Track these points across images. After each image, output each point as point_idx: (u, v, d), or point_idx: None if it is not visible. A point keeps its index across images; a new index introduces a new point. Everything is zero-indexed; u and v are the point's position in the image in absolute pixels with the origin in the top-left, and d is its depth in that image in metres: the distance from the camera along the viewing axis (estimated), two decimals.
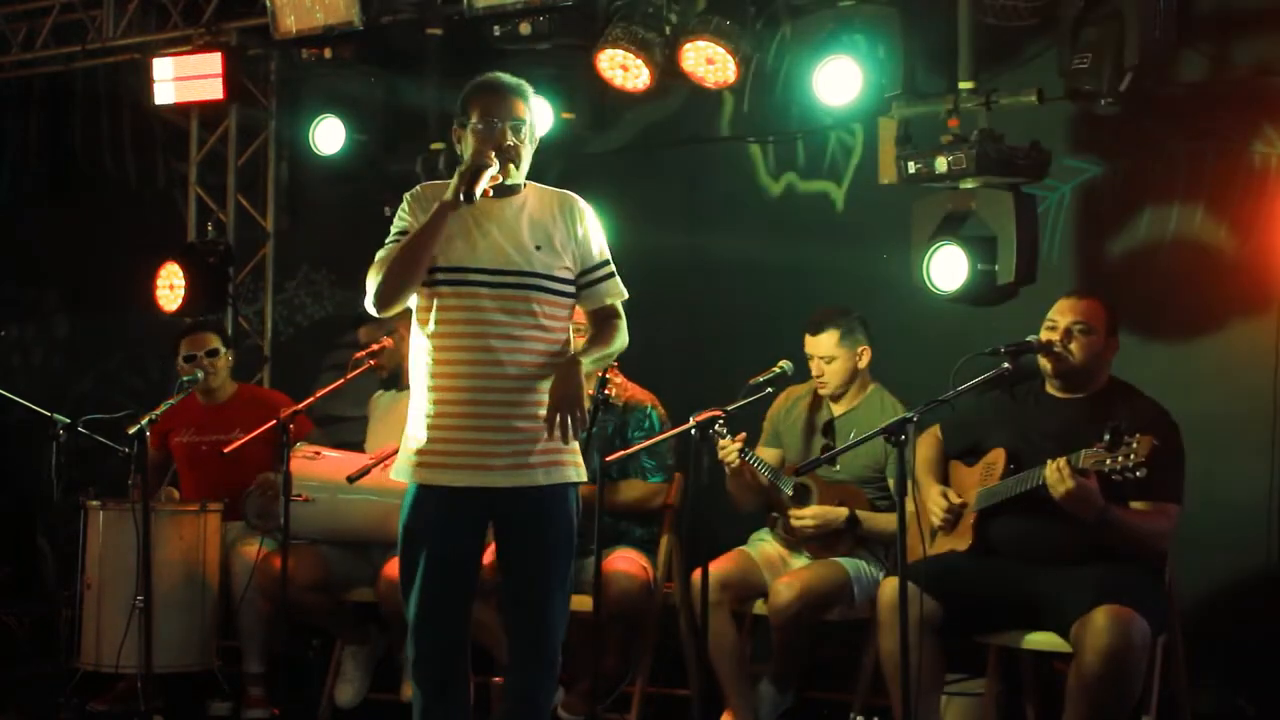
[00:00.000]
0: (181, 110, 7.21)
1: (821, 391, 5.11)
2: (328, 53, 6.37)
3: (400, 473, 3.85)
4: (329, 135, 6.63)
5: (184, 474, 6.04)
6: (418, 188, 3.92)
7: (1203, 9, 5.19)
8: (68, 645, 5.49)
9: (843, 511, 4.91)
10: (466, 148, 3.82)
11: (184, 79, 6.91)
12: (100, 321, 7.89)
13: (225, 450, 5.27)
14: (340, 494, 5.17)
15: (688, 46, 5.73)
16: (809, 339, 5.07)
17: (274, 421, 4.87)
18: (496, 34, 5.87)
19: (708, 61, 5.75)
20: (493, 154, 3.70)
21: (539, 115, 3.96)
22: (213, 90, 6.87)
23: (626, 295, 3.93)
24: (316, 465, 5.24)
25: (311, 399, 5.19)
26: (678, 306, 6.17)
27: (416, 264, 3.73)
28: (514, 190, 3.84)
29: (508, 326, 3.74)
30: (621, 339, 3.90)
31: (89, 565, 5.48)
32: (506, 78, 3.87)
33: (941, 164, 5.08)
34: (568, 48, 5.97)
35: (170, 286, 6.98)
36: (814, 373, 5.07)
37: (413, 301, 3.82)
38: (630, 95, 5.96)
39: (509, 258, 3.76)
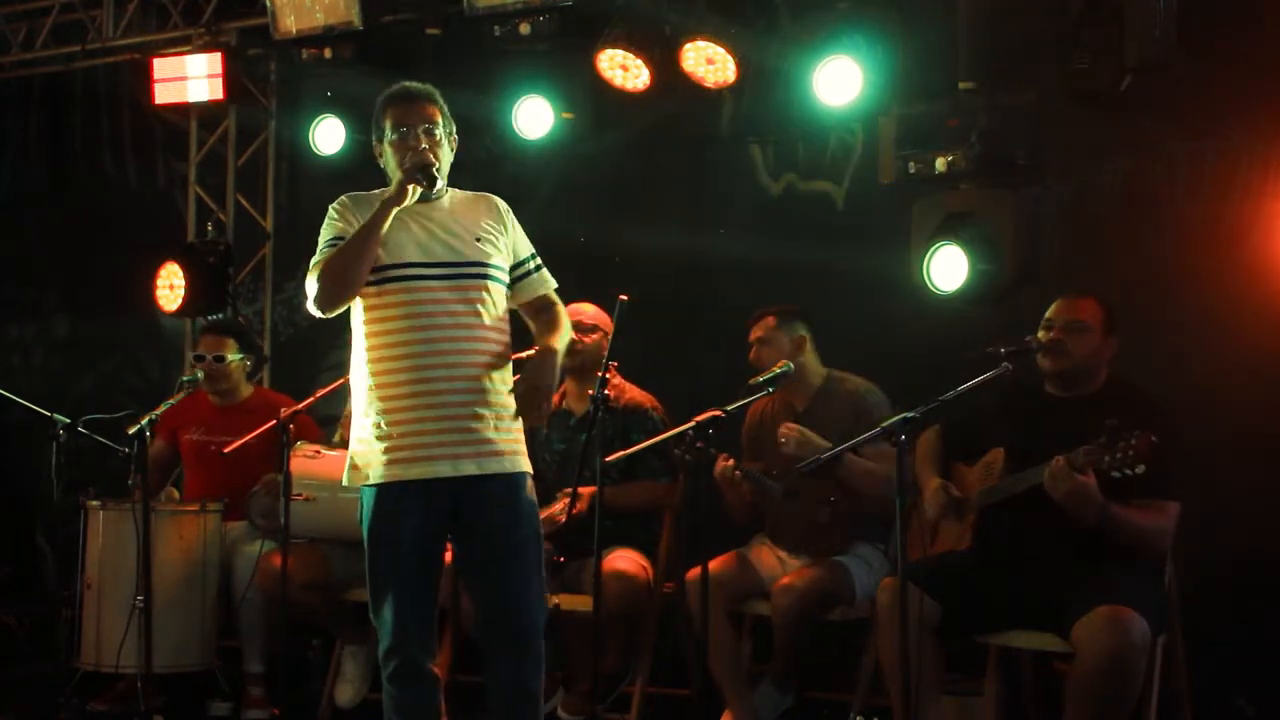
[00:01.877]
0: (181, 110, 7.21)
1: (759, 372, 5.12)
2: (328, 53, 6.37)
3: (369, 475, 3.90)
4: (329, 135, 6.64)
5: (190, 472, 6.05)
6: (343, 197, 4.00)
7: (1203, 9, 5.19)
8: (68, 645, 5.50)
9: (824, 443, 4.82)
10: (388, 162, 3.94)
11: (184, 79, 6.92)
12: (100, 321, 7.88)
13: (225, 451, 5.27)
14: (341, 492, 5.16)
15: (688, 46, 5.74)
16: (751, 327, 5.18)
17: (273, 422, 4.88)
18: (496, 34, 5.88)
19: (708, 61, 5.76)
20: (426, 153, 3.85)
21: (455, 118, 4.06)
22: (213, 90, 6.88)
23: (556, 285, 4.08)
24: (317, 464, 5.24)
25: (311, 399, 5.19)
26: (677, 306, 6.17)
27: (361, 260, 3.82)
28: (438, 194, 3.94)
29: (464, 316, 3.85)
30: (568, 323, 4.05)
31: (89, 565, 5.49)
32: (415, 85, 3.99)
33: (941, 164, 5.09)
34: (568, 48, 5.98)
35: (170, 286, 6.99)
36: (751, 358, 5.12)
37: (356, 305, 3.90)
38: (630, 95, 5.96)
39: (458, 250, 3.89)
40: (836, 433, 4.75)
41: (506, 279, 3.97)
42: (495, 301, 3.91)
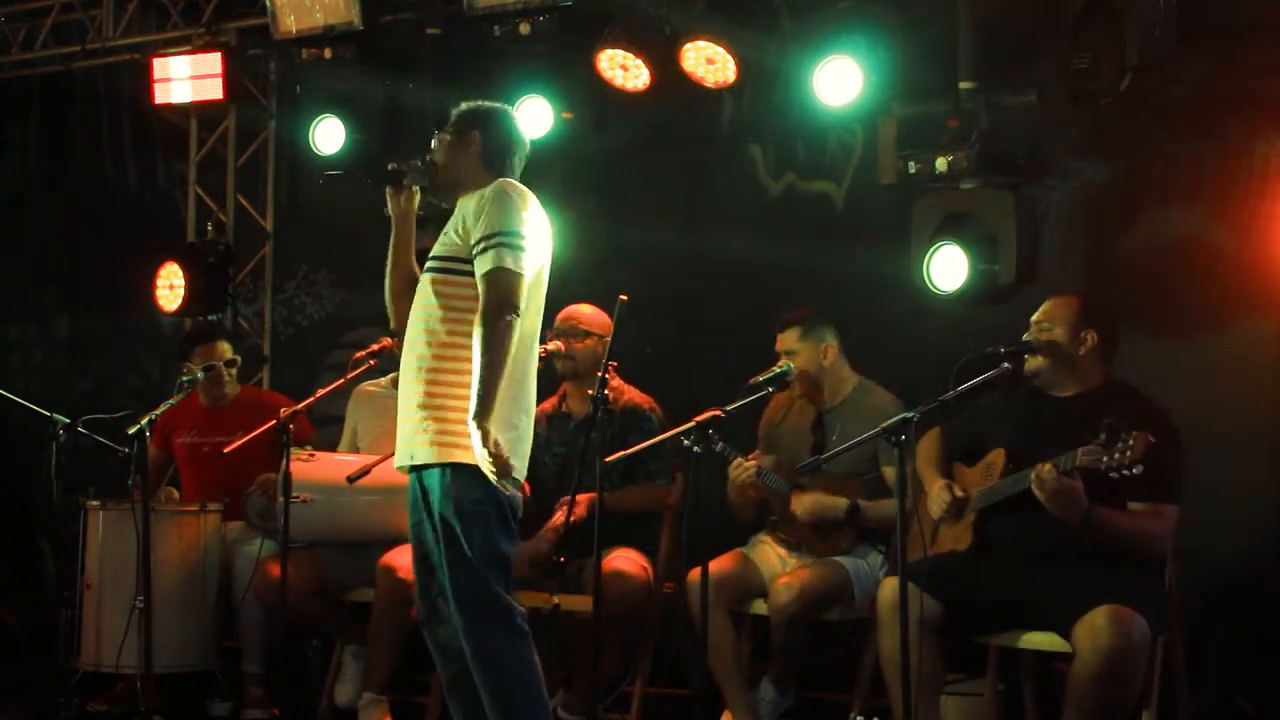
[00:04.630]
0: (181, 110, 7.21)
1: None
2: (328, 53, 6.37)
3: None
4: (329, 135, 6.63)
5: (185, 474, 6.04)
6: None
7: (1203, 9, 5.19)
8: (68, 645, 5.49)
9: (842, 501, 4.91)
10: None
11: (184, 79, 6.91)
12: (100, 321, 7.88)
13: (225, 450, 5.27)
14: (340, 495, 5.16)
15: (688, 46, 5.74)
16: (778, 336, 5.14)
17: (273, 422, 4.87)
18: (496, 34, 5.88)
19: (708, 61, 5.76)
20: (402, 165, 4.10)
21: (466, 123, 4.14)
22: (213, 90, 6.87)
23: (497, 265, 3.85)
24: (312, 468, 5.21)
25: (311, 399, 5.19)
26: (677, 306, 6.17)
27: (388, 275, 4.18)
28: (454, 195, 4.12)
29: (419, 311, 4.02)
30: (483, 333, 3.82)
31: (89, 565, 5.48)
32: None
33: (941, 164, 5.08)
34: (568, 48, 5.98)
35: (170, 286, 6.98)
36: (780, 369, 5.10)
37: None
38: (630, 95, 5.96)
39: (430, 249, 4.07)
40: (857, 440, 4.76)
41: (465, 265, 3.94)
42: (446, 293, 3.96)
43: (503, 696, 3.90)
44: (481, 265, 3.88)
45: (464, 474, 3.87)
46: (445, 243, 4.03)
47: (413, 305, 4.05)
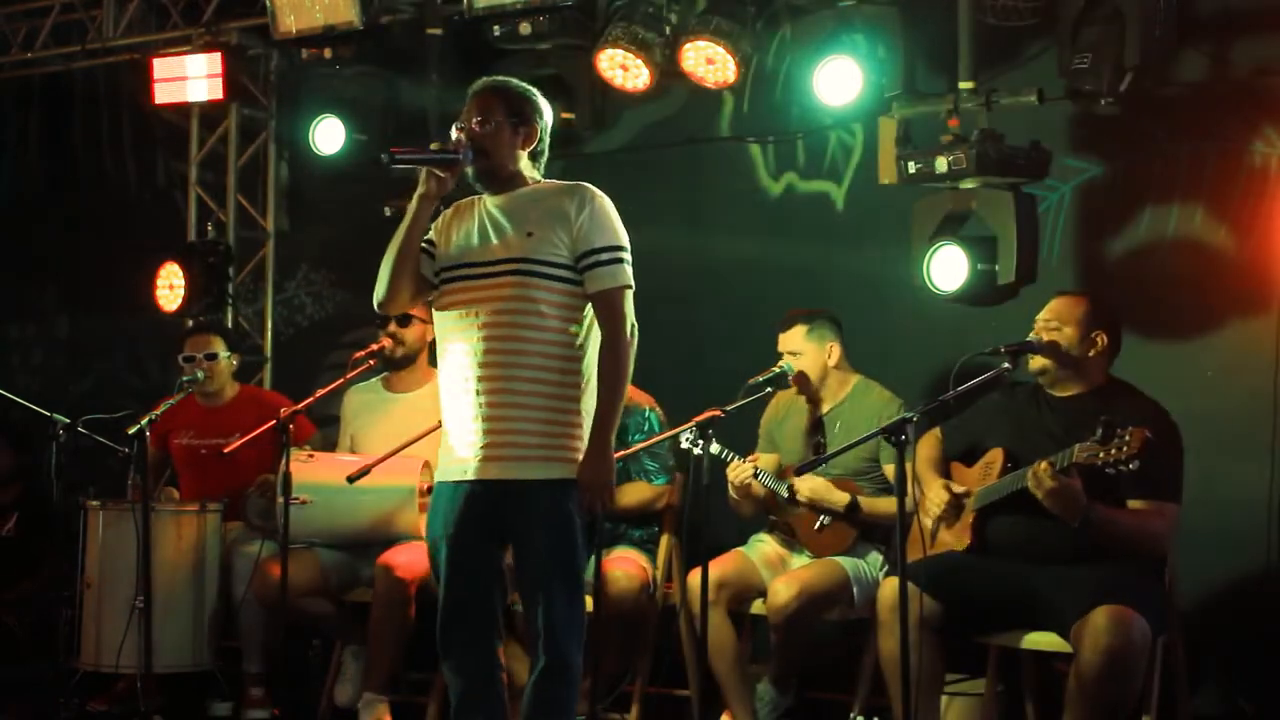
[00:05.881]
0: (181, 110, 7.21)
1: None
2: (328, 53, 6.37)
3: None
4: (329, 135, 6.63)
5: (183, 475, 6.03)
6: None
7: (1203, 9, 5.20)
8: (68, 645, 5.49)
9: (844, 496, 4.91)
10: None
11: (184, 79, 6.91)
12: (100, 321, 7.89)
13: (225, 451, 5.26)
14: (340, 495, 5.16)
15: (688, 46, 5.74)
16: (780, 336, 5.12)
17: (273, 422, 4.87)
18: (496, 34, 5.88)
19: (708, 61, 5.76)
20: (456, 140, 3.79)
21: (527, 109, 3.90)
22: (213, 90, 6.87)
23: (622, 284, 3.78)
24: (311, 468, 5.21)
25: (311, 399, 5.18)
26: (678, 306, 6.16)
27: (391, 255, 3.82)
28: (504, 186, 3.85)
29: (485, 315, 3.74)
30: (615, 355, 3.75)
31: (89, 565, 5.48)
32: (482, 80, 3.92)
33: (941, 164, 5.08)
34: (568, 48, 5.98)
35: (170, 286, 6.98)
36: (778, 369, 5.09)
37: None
38: (630, 95, 5.97)
39: (495, 245, 3.79)
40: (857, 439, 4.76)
41: (565, 272, 3.74)
42: (543, 298, 3.73)
43: (566, 701, 3.79)
44: (604, 280, 3.74)
45: (574, 489, 3.73)
46: (534, 243, 3.74)
47: (463, 304, 3.78)
